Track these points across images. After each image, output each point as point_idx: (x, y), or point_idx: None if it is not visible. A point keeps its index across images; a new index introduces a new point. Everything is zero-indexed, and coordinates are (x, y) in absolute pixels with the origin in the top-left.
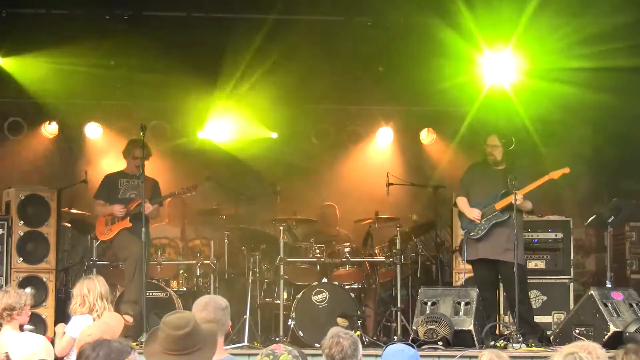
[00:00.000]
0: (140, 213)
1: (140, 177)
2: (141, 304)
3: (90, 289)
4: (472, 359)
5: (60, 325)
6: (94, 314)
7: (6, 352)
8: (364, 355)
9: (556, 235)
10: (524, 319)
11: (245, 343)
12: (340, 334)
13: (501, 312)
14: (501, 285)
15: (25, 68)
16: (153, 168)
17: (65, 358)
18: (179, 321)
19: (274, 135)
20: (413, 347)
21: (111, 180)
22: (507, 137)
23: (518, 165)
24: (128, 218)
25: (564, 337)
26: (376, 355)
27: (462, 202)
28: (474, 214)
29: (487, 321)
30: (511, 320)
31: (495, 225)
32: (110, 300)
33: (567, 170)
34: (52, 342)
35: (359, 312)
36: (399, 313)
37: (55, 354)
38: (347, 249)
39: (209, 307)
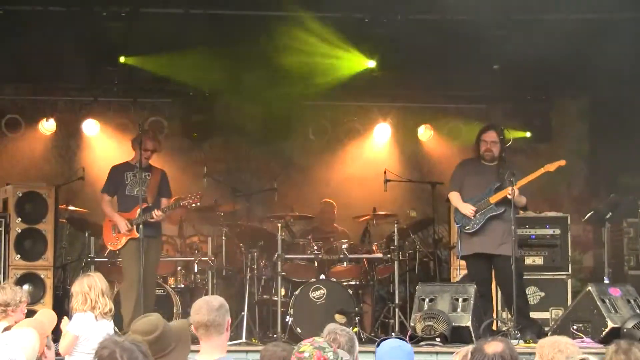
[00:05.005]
0: (146, 221)
1: (145, 170)
2: (139, 299)
3: (91, 285)
4: None
5: (65, 320)
6: (95, 311)
7: None
8: (362, 352)
9: (554, 232)
10: (522, 312)
11: (243, 339)
12: (337, 330)
13: (499, 308)
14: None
15: None
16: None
17: (68, 357)
18: (148, 326)
19: None
20: (406, 341)
21: (117, 174)
22: (504, 134)
23: (510, 162)
24: (134, 228)
25: (562, 333)
26: (374, 352)
27: (455, 197)
28: (467, 209)
29: (484, 317)
30: (509, 316)
31: (491, 219)
32: (110, 296)
33: (562, 162)
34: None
35: (356, 309)
36: (396, 309)
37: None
38: (344, 246)
39: (203, 310)
